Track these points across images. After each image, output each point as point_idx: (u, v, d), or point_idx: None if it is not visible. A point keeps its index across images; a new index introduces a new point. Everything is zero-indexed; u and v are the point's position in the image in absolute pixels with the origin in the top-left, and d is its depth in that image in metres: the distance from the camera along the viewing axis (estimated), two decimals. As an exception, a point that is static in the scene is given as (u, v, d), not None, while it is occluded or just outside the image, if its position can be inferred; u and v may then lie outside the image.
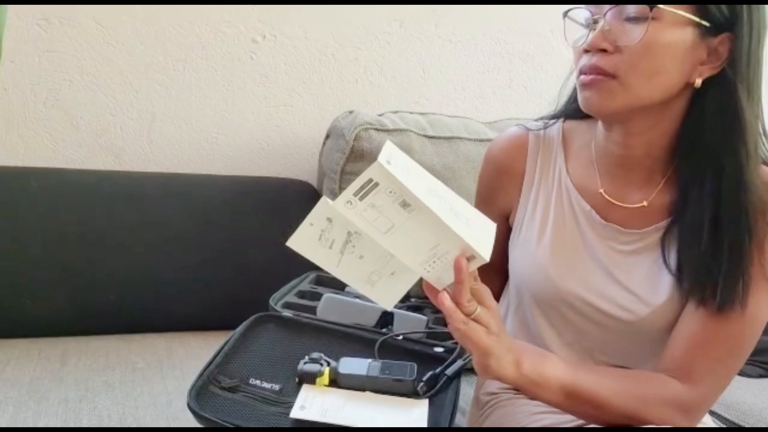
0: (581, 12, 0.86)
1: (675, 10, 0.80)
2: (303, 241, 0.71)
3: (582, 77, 0.85)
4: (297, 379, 0.89)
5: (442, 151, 1.57)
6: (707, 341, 0.85)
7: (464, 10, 1.81)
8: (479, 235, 0.73)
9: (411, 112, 1.64)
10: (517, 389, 0.85)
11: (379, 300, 0.76)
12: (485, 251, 0.71)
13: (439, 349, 1.01)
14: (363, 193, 0.66)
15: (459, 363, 0.96)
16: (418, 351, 1.01)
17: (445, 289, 0.74)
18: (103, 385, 1.18)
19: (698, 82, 0.83)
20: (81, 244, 1.42)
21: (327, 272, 0.74)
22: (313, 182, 1.71)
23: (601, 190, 0.94)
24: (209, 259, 1.50)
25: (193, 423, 0.85)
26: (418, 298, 1.27)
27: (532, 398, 0.86)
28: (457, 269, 0.71)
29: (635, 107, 0.84)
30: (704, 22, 0.81)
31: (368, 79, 1.77)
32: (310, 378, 0.88)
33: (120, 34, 1.55)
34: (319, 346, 0.96)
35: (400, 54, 1.78)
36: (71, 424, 1.06)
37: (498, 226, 0.78)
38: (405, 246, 0.70)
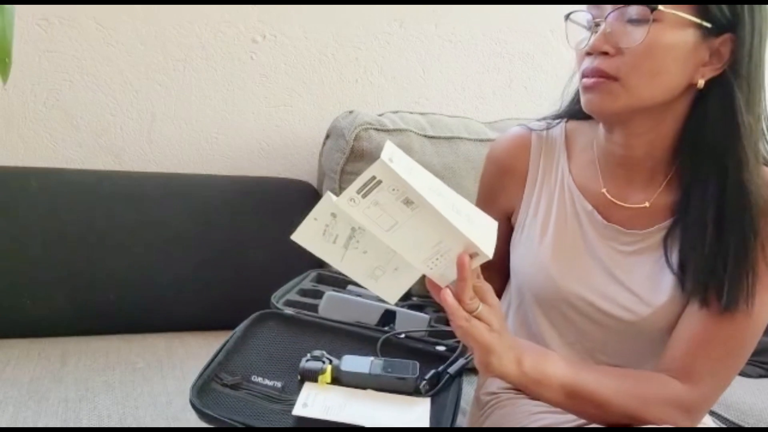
0: (583, 14, 0.86)
1: (676, 12, 0.80)
2: (307, 235, 0.72)
3: (584, 80, 0.85)
4: (299, 377, 0.89)
5: (442, 151, 1.57)
6: (708, 341, 0.85)
7: (464, 10, 1.81)
8: (482, 232, 0.73)
9: (411, 112, 1.63)
10: (518, 388, 0.85)
11: (383, 294, 0.76)
12: (488, 248, 0.71)
13: (442, 348, 1.01)
14: (366, 190, 0.66)
15: (461, 361, 0.95)
16: (421, 349, 1.00)
17: (447, 286, 0.74)
18: (103, 385, 1.18)
19: (701, 83, 0.83)
20: (81, 244, 1.42)
21: (329, 270, 0.74)
22: (313, 182, 1.71)
23: (604, 191, 0.94)
24: (209, 259, 1.50)
25: (194, 423, 0.85)
26: (420, 297, 1.27)
27: (533, 397, 0.85)
28: (460, 266, 0.71)
29: (637, 109, 0.84)
30: (706, 24, 0.81)
31: (368, 79, 1.77)
32: (312, 375, 0.88)
33: (120, 34, 1.55)
34: (321, 344, 0.96)
35: (400, 54, 1.78)
36: (71, 424, 1.05)
37: (499, 226, 0.78)
38: (408, 243, 0.70)
